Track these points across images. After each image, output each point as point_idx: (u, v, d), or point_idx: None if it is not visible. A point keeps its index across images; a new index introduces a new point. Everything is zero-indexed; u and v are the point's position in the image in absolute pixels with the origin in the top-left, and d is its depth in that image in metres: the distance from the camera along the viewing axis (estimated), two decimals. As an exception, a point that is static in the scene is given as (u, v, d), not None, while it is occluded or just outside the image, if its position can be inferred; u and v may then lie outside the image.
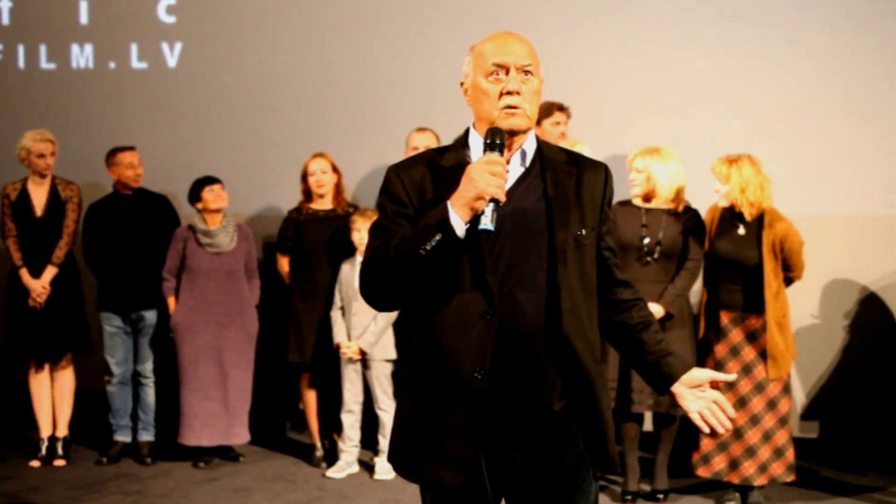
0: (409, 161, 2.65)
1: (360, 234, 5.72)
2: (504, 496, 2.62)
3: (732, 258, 5.17)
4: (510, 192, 2.51)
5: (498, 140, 2.44)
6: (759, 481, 5.13)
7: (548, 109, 5.88)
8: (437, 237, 2.39)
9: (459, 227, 2.39)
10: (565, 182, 2.57)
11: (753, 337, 5.13)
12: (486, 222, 2.38)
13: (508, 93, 2.51)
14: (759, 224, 5.15)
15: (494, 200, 2.39)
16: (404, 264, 2.44)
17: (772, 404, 5.12)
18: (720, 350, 5.18)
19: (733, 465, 5.15)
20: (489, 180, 2.37)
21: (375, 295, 2.56)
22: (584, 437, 2.57)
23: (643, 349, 2.64)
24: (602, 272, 2.64)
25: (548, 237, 2.51)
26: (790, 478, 5.18)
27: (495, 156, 2.41)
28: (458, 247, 2.41)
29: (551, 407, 2.52)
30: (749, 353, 5.13)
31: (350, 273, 5.82)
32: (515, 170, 2.56)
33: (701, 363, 5.20)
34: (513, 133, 2.53)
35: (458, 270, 2.48)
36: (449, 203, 2.41)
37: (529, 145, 2.59)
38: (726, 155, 5.22)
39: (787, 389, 5.17)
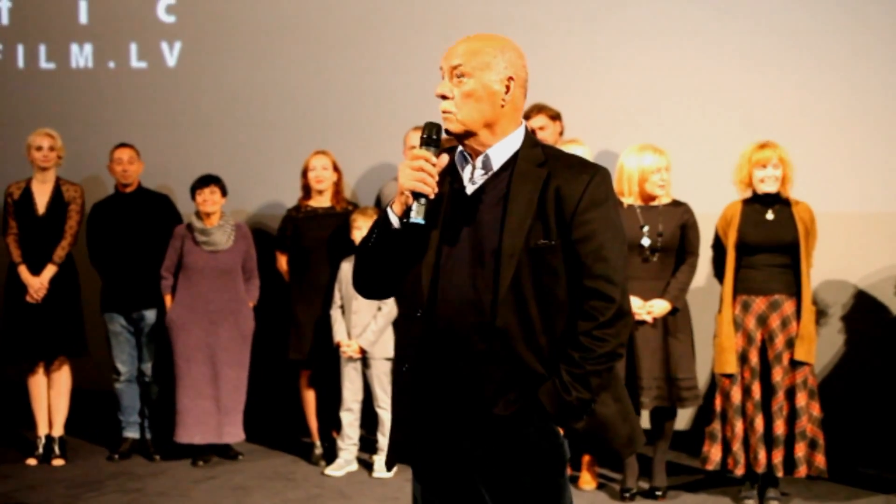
0: None
1: (361, 231, 5.72)
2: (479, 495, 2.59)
3: (768, 242, 5.13)
4: (473, 197, 2.54)
5: (433, 135, 2.48)
6: (779, 472, 5.10)
7: (525, 113, 5.78)
8: (374, 232, 2.56)
9: (393, 220, 2.52)
10: (529, 189, 2.49)
11: (785, 323, 5.10)
12: (414, 216, 2.46)
13: (440, 97, 2.53)
14: (788, 208, 5.17)
15: (421, 195, 2.45)
16: (360, 255, 2.64)
17: (789, 394, 5.10)
18: (760, 337, 5.12)
19: (763, 455, 5.09)
20: (409, 175, 2.45)
21: (355, 282, 2.72)
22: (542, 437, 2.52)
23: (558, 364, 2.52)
24: (575, 281, 2.50)
25: (499, 243, 2.47)
26: (797, 473, 5.10)
27: (421, 151, 2.48)
28: (392, 242, 2.53)
29: (492, 408, 2.48)
30: (780, 342, 5.08)
31: (349, 272, 5.81)
32: (480, 176, 2.55)
33: (744, 355, 5.12)
34: (454, 137, 2.55)
35: (411, 268, 2.57)
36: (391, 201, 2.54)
37: (499, 150, 2.54)
38: (760, 141, 5.19)
39: (806, 384, 5.11)
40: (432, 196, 2.45)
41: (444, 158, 2.52)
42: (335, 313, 5.89)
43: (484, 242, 2.50)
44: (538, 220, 2.48)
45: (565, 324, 2.50)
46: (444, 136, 2.53)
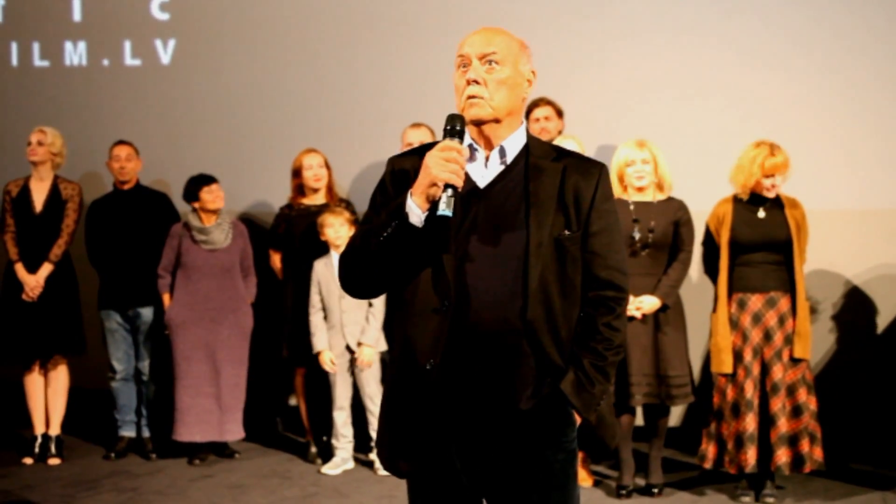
0: (405, 153, 2.67)
1: (334, 229, 5.69)
2: (483, 493, 2.59)
3: (761, 240, 5.15)
4: (488, 189, 2.53)
5: (458, 126, 2.44)
6: (787, 471, 5.12)
7: (532, 103, 5.80)
8: (393, 225, 2.44)
9: (415, 215, 2.42)
10: (549, 182, 2.52)
11: (782, 321, 5.11)
12: (443, 208, 2.37)
13: (469, 82, 2.50)
14: (779, 205, 5.18)
15: (451, 186, 2.38)
16: (365, 252, 2.51)
17: (790, 391, 5.12)
18: (756, 335, 5.12)
19: (765, 455, 5.10)
20: (443, 166, 2.38)
21: (347, 282, 2.63)
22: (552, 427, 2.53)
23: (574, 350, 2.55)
24: (583, 272, 2.55)
25: (525, 235, 2.48)
26: (804, 470, 5.12)
27: (451, 142, 2.42)
28: (413, 235, 2.44)
29: (517, 404, 2.48)
30: (779, 339, 5.10)
31: (326, 272, 5.79)
32: (495, 167, 2.55)
33: (738, 353, 5.14)
34: (477, 123, 2.52)
35: (425, 262, 2.49)
36: (409, 192, 2.44)
37: (512, 142, 2.56)
38: (765, 144, 5.15)
39: (804, 379, 5.14)
40: (460, 188, 2.41)
41: (467, 151, 2.47)
42: (315, 318, 5.79)
43: (507, 234, 2.49)
44: (560, 211, 2.51)
45: (576, 315, 2.55)
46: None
